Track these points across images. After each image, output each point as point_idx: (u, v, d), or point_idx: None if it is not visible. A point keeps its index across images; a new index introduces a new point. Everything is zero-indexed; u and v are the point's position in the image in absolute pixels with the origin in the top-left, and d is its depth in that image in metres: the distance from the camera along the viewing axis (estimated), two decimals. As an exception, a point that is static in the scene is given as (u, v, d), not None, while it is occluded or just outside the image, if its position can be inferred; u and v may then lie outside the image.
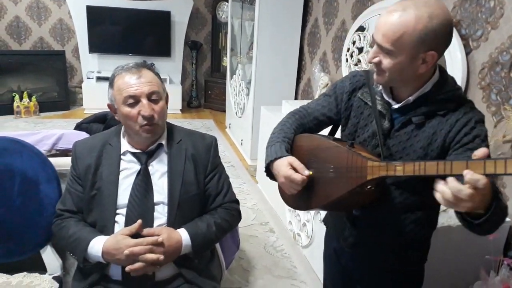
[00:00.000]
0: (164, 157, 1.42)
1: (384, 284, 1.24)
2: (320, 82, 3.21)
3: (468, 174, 0.75)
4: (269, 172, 1.22)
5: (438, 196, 0.81)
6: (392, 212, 1.14)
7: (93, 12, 5.17)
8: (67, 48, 5.56)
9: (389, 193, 1.12)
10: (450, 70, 1.93)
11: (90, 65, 5.45)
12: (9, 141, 1.57)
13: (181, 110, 5.70)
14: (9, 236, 1.54)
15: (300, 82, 3.96)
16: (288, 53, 3.80)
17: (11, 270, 1.52)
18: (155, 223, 1.35)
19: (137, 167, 1.39)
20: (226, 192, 1.49)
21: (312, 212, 2.32)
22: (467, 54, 1.96)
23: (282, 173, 1.12)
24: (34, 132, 2.06)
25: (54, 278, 1.53)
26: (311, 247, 2.39)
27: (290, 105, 2.93)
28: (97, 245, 1.29)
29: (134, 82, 1.31)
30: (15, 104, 4.90)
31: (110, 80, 1.36)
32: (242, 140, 4.23)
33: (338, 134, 1.31)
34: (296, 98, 3.99)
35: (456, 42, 1.95)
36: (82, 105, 5.39)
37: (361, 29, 2.76)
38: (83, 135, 2.08)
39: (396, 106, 1.10)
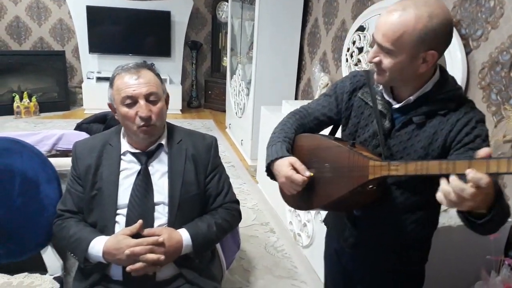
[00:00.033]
0: (164, 157, 1.42)
1: (385, 284, 1.24)
2: (320, 82, 3.21)
3: (471, 173, 0.75)
4: (270, 172, 1.22)
5: (440, 196, 0.81)
6: (393, 212, 1.14)
7: (93, 12, 5.17)
8: (67, 48, 5.56)
9: (390, 193, 1.12)
10: (450, 70, 1.92)
11: (90, 65, 5.45)
12: (9, 141, 1.57)
13: (181, 110, 5.70)
14: (10, 236, 1.54)
15: (300, 82, 3.96)
16: (288, 53, 3.80)
17: (12, 270, 1.52)
18: (156, 223, 1.35)
19: (137, 167, 1.39)
20: (227, 192, 1.49)
21: (313, 212, 2.32)
22: (467, 54, 1.96)
23: (283, 173, 1.12)
24: (34, 133, 2.06)
25: (55, 278, 1.53)
26: (312, 247, 2.39)
27: (290, 105, 2.93)
28: (97, 245, 1.29)
29: (132, 83, 1.31)
30: (15, 105, 4.90)
31: (110, 80, 1.37)
32: (242, 140, 4.23)
33: (338, 134, 1.31)
34: (296, 98, 3.99)
35: (456, 42, 1.95)
36: (82, 105, 5.39)
37: (361, 29, 2.76)
38: (83, 135, 2.08)
39: (396, 106, 1.10)
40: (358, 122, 1.19)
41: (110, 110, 1.43)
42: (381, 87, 1.14)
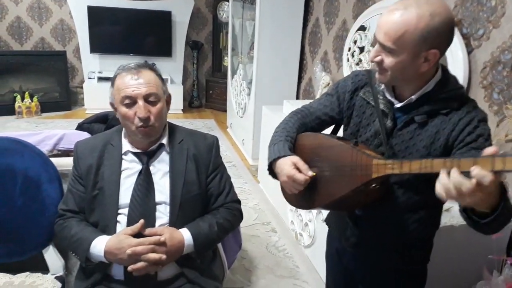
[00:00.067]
0: (165, 157, 1.42)
1: (387, 284, 1.24)
2: (321, 82, 3.21)
3: (475, 170, 0.75)
4: (272, 171, 1.22)
5: (438, 188, 0.81)
6: (395, 211, 1.13)
7: (94, 12, 5.17)
8: (68, 49, 5.57)
9: (392, 192, 1.12)
10: (452, 69, 1.90)
11: (91, 65, 5.45)
12: (11, 141, 1.57)
13: (182, 110, 5.70)
14: (11, 236, 1.54)
15: (301, 81, 3.96)
16: (289, 52, 3.80)
17: (13, 270, 1.52)
18: (157, 223, 1.35)
19: (138, 167, 1.39)
20: (228, 192, 1.49)
21: (314, 211, 2.32)
22: (468, 53, 1.95)
23: (285, 172, 1.12)
24: (36, 132, 2.06)
25: (56, 278, 1.53)
26: (313, 246, 2.39)
27: (292, 105, 2.93)
28: (99, 245, 1.29)
29: (132, 83, 1.31)
30: (16, 105, 4.90)
31: (112, 79, 1.37)
32: (243, 140, 4.23)
33: (340, 134, 1.31)
34: (297, 98, 3.98)
35: (457, 41, 1.94)
36: (83, 105, 5.40)
37: (362, 28, 2.75)
38: (85, 135, 2.08)
39: (398, 105, 1.10)
40: (360, 121, 1.19)
41: (111, 110, 1.43)
42: (383, 86, 1.13)
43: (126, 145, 1.41)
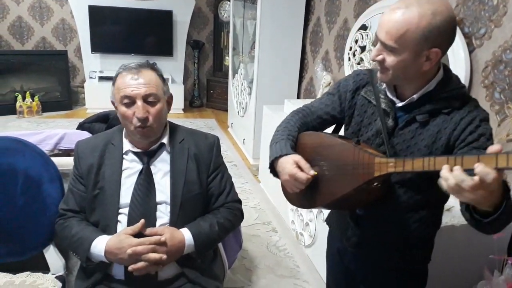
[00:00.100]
0: (166, 157, 1.42)
1: (388, 284, 1.23)
2: (323, 81, 3.20)
3: (479, 167, 0.75)
4: (273, 169, 1.21)
5: (441, 182, 0.81)
6: (396, 211, 1.13)
7: (95, 12, 5.17)
8: (69, 48, 5.57)
9: (393, 191, 1.12)
10: (453, 69, 1.91)
11: (93, 64, 5.45)
12: (12, 140, 1.57)
13: (183, 109, 5.70)
14: (12, 235, 1.54)
15: (303, 81, 3.96)
16: (290, 52, 3.80)
17: (14, 269, 1.52)
18: (158, 223, 1.35)
19: (139, 166, 1.39)
20: (229, 191, 1.49)
21: (315, 211, 2.31)
22: (470, 52, 1.95)
23: (287, 171, 1.12)
24: (37, 132, 2.06)
25: (57, 277, 1.53)
26: (314, 246, 2.38)
27: (293, 104, 2.93)
28: (100, 245, 1.29)
29: (132, 83, 1.30)
30: (17, 104, 4.91)
31: (113, 78, 1.37)
32: (244, 139, 4.23)
33: (341, 133, 1.31)
34: (298, 97, 3.98)
35: (459, 41, 1.94)
36: (84, 104, 5.40)
37: (364, 27, 2.75)
38: (86, 134, 2.08)
39: (400, 104, 1.10)
40: (361, 120, 1.19)
41: (112, 109, 1.44)
42: (384, 85, 1.13)
43: (127, 145, 1.41)
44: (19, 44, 5.39)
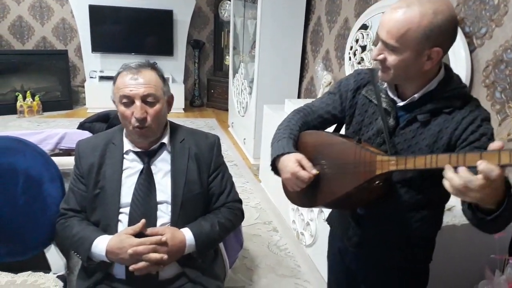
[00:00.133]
0: (167, 156, 1.42)
1: (390, 283, 1.23)
2: (323, 81, 3.20)
3: (482, 164, 0.75)
4: (274, 167, 1.21)
5: (446, 183, 0.81)
6: (397, 210, 1.13)
7: (95, 11, 5.17)
8: (70, 48, 5.57)
9: (395, 191, 1.11)
10: (454, 68, 1.90)
11: (93, 64, 5.45)
12: (13, 140, 1.57)
13: (183, 109, 5.70)
14: (13, 235, 1.54)
15: (303, 80, 3.95)
16: (291, 51, 3.79)
17: (15, 269, 1.52)
18: (159, 222, 1.35)
19: (139, 166, 1.39)
20: (229, 191, 1.49)
21: (316, 211, 2.31)
22: (471, 52, 1.95)
23: (289, 169, 1.12)
24: (37, 132, 2.06)
25: (58, 277, 1.53)
26: (315, 246, 2.38)
27: (293, 104, 2.92)
28: (100, 244, 1.29)
29: (131, 83, 1.30)
30: (18, 104, 4.91)
31: (114, 77, 1.37)
32: (245, 139, 4.23)
33: (342, 132, 1.31)
34: (299, 97, 3.98)
35: (460, 40, 1.94)
36: (85, 104, 5.40)
37: (364, 27, 2.75)
38: (86, 134, 2.08)
39: (401, 103, 1.10)
40: (362, 120, 1.19)
41: (112, 109, 1.43)
42: (385, 84, 1.13)
43: (127, 144, 1.41)
44: (20, 43, 5.39)
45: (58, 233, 1.45)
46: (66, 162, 1.63)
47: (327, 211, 1.60)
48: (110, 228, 1.35)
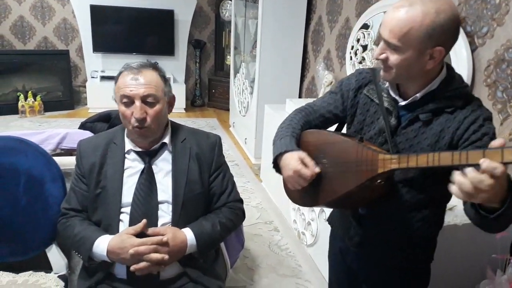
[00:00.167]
0: (168, 156, 1.42)
1: (391, 283, 1.23)
2: (324, 80, 3.20)
3: (485, 162, 0.75)
4: (276, 165, 1.21)
5: (454, 188, 0.79)
6: (399, 210, 1.13)
7: (96, 11, 5.18)
8: (71, 48, 5.58)
9: (396, 191, 1.11)
10: (456, 68, 1.89)
11: (94, 64, 5.46)
12: (14, 140, 1.58)
13: (185, 109, 5.70)
14: (14, 235, 1.54)
15: (304, 80, 3.95)
16: (292, 51, 3.79)
17: (16, 268, 1.52)
18: (160, 222, 1.35)
19: (141, 166, 1.39)
20: (231, 191, 1.49)
21: (317, 210, 2.31)
22: (472, 51, 1.94)
23: (291, 167, 1.11)
24: (39, 132, 2.07)
25: (59, 276, 1.53)
26: (316, 245, 2.38)
27: (294, 104, 2.92)
28: (102, 244, 1.29)
29: (131, 83, 1.31)
30: (20, 104, 4.92)
31: (116, 77, 1.37)
32: (246, 138, 4.23)
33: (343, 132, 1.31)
34: (300, 97, 3.97)
35: (461, 39, 1.93)
36: (86, 104, 5.41)
37: (365, 26, 2.75)
38: (88, 134, 2.08)
39: (403, 103, 1.09)
40: (364, 119, 1.19)
41: (114, 109, 1.44)
42: (387, 84, 1.13)
43: (128, 144, 1.41)
44: (21, 44, 5.40)
45: (59, 233, 1.45)
46: (67, 162, 1.63)
47: (328, 211, 1.60)
48: (111, 227, 1.35)
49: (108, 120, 2.28)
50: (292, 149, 1.15)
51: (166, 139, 1.42)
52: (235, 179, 1.56)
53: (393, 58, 1.00)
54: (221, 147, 1.51)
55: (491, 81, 1.86)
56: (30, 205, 1.54)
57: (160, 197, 1.37)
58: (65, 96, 5.39)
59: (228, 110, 5.13)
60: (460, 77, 1.08)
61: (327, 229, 1.46)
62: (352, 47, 2.90)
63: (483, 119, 1.00)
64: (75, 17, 5.32)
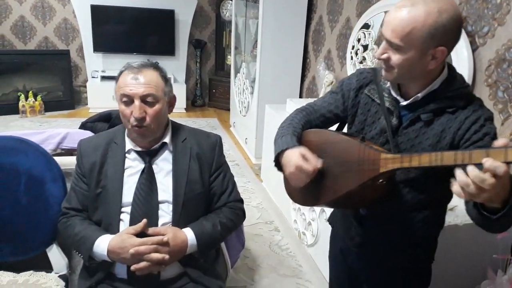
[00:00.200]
0: (168, 156, 1.42)
1: (392, 283, 1.23)
2: (325, 80, 3.20)
3: (488, 161, 0.74)
4: (278, 163, 1.21)
5: (456, 187, 0.79)
6: (400, 210, 1.13)
7: (97, 11, 5.18)
8: (72, 48, 5.58)
9: (397, 191, 1.11)
10: (457, 67, 1.88)
11: (95, 64, 5.46)
12: (15, 140, 1.58)
13: (185, 109, 5.70)
14: (15, 235, 1.54)
15: (305, 80, 3.95)
16: (293, 51, 3.79)
17: (17, 268, 1.52)
18: (160, 222, 1.35)
19: (141, 165, 1.39)
20: (231, 191, 1.49)
21: (317, 211, 2.31)
22: (473, 51, 1.94)
23: (293, 163, 1.10)
24: (40, 131, 2.07)
25: (60, 276, 1.53)
26: (317, 246, 2.38)
27: (295, 103, 2.92)
28: (102, 244, 1.29)
29: (131, 82, 1.31)
30: (20, 104, 4.92)
31: (117, 76, 1.37)
32: (246, 138, 4.23)
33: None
34: (300, 96, 3.97)
35: (462, 39, 1.93)
36: (86, 104, 5.41)
37: (366, 26, 2.74)
38: (88, 134, 2.08)
39: (404, 103, 1.09)
40: (365, 119, 1.18)
41: (114, 109, 1.44)
42: (388, 84, 1.13)
43: (129, 144, 1.41)
44: (22, 43, 5.41)
45: (60, 232, 1.45)
46: (68, 162, 1.63)
47: (328, 211, 1.60)
48: (112, 227, 1.35)
49: (108, 120, 2.28)
50: (293, 146, 1.14)
51: (167, 139, 1.42)
52: (235, 179, 1.56)
53: (395, 58, 1.00)
54: (222, 147, 1.51)
55: (492, 81, 1.86)
56: (30, 205, 1.54)
57: (160, 197, 1.37)
58: (65, 96, 5.39)
59: (229, 110, 5.13)
60: (461, 77, 1.08)
61: (327, 229, 1.45)
62: (353, 47, 2.90)
63: (484, 119, 1.00)
64: (76, 17, 5.32)
